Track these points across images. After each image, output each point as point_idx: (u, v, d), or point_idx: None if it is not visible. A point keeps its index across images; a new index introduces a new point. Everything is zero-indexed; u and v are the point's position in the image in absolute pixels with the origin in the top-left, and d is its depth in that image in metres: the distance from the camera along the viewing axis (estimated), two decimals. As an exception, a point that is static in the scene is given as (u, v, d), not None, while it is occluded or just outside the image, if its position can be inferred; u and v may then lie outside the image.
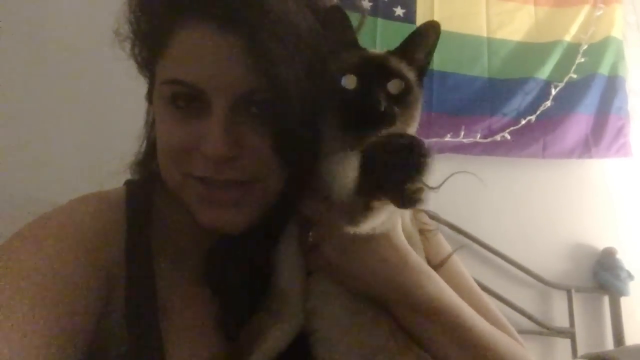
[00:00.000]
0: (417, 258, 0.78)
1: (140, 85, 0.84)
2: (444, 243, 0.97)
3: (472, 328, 0.76)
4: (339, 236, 0.73)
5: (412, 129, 0.79)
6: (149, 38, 0.77)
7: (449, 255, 0.93)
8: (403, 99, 0.75)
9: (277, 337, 0.76)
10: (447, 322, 0.75)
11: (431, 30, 0.78)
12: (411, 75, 0.77)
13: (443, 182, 0.93)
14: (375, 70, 0.74)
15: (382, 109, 0.70)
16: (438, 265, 0.88)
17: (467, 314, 0.77)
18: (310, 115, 0.73)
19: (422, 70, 0.80)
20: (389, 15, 2.80)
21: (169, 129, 0.74)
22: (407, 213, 0.84)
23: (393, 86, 0.74)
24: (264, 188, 0.76)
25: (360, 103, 0.72)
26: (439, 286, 0.77)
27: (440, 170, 0.93)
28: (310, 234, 0.75)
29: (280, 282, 0.78)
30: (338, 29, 0.79)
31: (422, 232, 0.90)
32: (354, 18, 0.82)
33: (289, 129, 0.71)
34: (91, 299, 0.68)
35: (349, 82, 0.74)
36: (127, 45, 0.80)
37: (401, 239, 0.78)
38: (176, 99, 0.72)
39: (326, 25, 0.78)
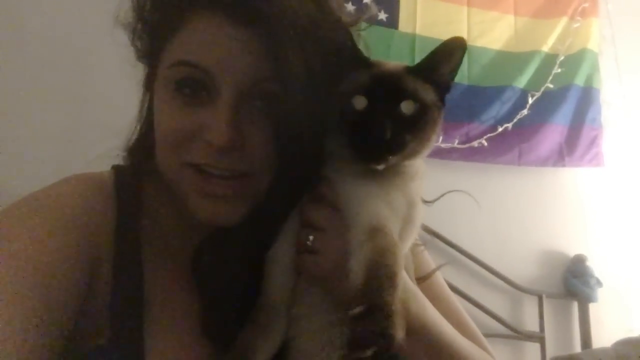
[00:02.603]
0: (404, 276, 0.77)
1: (124, 77, 0.83)
2: (428, 257, 0.98)
3: (452, 345, 0.78)
4: (339, 247, 0.72)
5: (426, 151, 0.78)
6: (158, 24, 0.76)
7: (434, 271, 0.94)
8: (417, 121, 0.72)
9: (265, 351, 0.75)
10: (428, 340, 0.76)
11: (457, 46, 0.75)
12: (429, 94, 0.74)
13: (438, 198, 0.93)
14: (385, 91, 0.72)
15: (387, 137, 0.69)
16: (422, 279, 0.90)
17: (448, 334, 0.79)
18: (314, 115, 0.73)
19: (445, 87, 0.77)
20: (372, 20, 2.81)
21: (172, 115, 0.73)
22: None
23: (405, 107, 0.71)
24: (256, 183, 0.76)
25: (366, 127, 0.70)
26: (422, 305, 0.78)
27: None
28: (311, 238, 0.74)
29: (272, 292, 0.77)
30: (347, 49, 0.77)
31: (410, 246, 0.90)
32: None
33: (291, 125, 0.71)
34: (75, 282, 0.67)
35: (358, 103, 0.72)
36: (127, 32, 0.79)
37: None
38: (182, 85, 0.72)
39: (337, 47, 0.76)
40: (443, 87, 0.77)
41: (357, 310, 0.59)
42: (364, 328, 0.58)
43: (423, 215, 0.81)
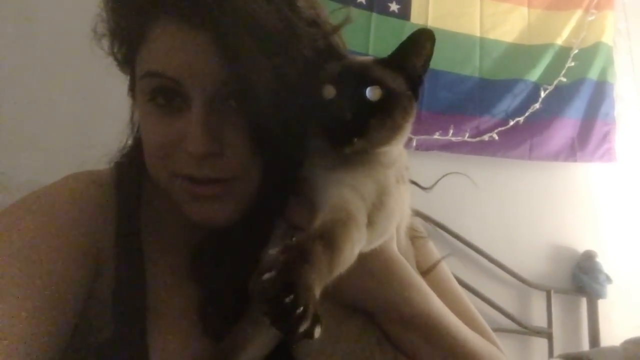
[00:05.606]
0: (405, 270, 0.77)
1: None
2: (432, 249, 0.97)
3: (458, 340, 0.77)
4: None
5: (400, 138, 0.78)
6: (127, 34, 0.76)
7: (437, 262, 0.93)
8: (383, 107, 0.73)
9: (261, 343, 0.74)
10: (434, 335, 0.75)
11: (426, 38, 0.76)
12: (398, 83, 0.76)
13: (436, 183, 0.93)
14: (352, 78, 0.74)
15: (347, 118, 0.70)
16: (426, 272, 0.88)
17: (453, 326, 0.77)
18: (287, 113, 0.72)
19: (417, 78, 0.79)
20: (384, 11, 2.79)
21: (152, 127, 0.74)
22: (403, 225, 0.84)
23: (371, 93, 0.72)
24: (244, 185, 0.76)
25: (331, 113, 0.72)
26: (426, 299, 0.76)
27: (428, 168, 0.94)
28: (294, 239, 0.72)
29: None
30: (324, 48, 0.78)
31: (412, 239, 0.90)
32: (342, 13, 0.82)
33: (263, 123, 0.71)
34: (78, 279, 0.68)
35: (328, 92, 0.73)
36: (106, 43, 0.79)
37: (390, 250, 0.76)
38: (156, 96, 0.72)
39: (314, 48, 0.77)
40: (415, 78, 0.78)
41: (267, 276, 0.51)
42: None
43: (403, 203, 0.80)
